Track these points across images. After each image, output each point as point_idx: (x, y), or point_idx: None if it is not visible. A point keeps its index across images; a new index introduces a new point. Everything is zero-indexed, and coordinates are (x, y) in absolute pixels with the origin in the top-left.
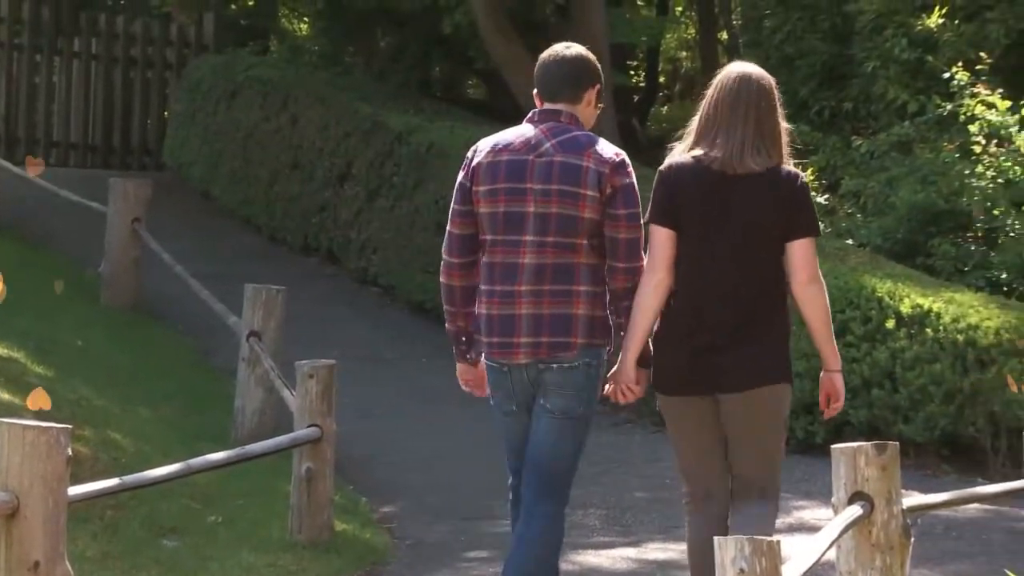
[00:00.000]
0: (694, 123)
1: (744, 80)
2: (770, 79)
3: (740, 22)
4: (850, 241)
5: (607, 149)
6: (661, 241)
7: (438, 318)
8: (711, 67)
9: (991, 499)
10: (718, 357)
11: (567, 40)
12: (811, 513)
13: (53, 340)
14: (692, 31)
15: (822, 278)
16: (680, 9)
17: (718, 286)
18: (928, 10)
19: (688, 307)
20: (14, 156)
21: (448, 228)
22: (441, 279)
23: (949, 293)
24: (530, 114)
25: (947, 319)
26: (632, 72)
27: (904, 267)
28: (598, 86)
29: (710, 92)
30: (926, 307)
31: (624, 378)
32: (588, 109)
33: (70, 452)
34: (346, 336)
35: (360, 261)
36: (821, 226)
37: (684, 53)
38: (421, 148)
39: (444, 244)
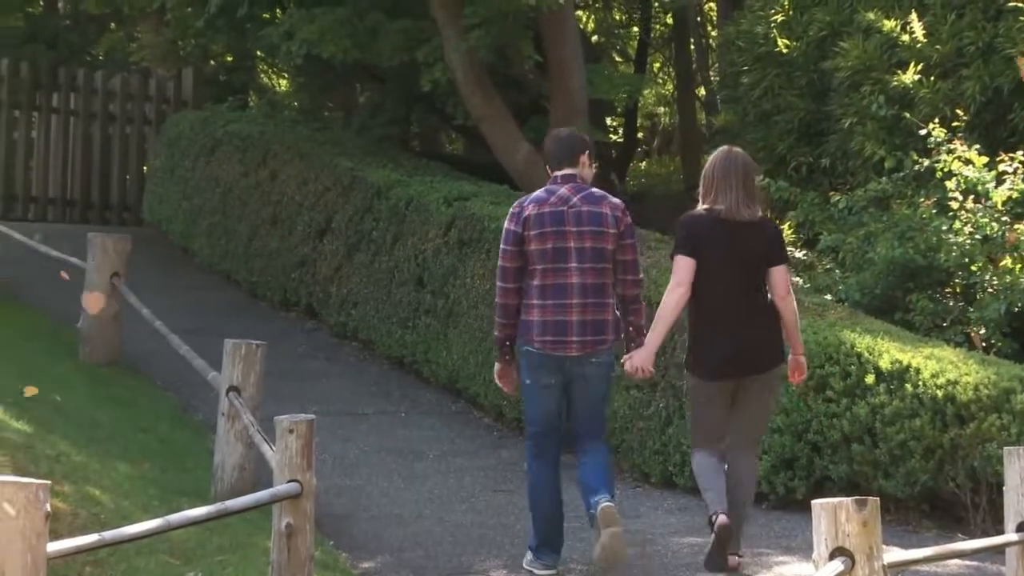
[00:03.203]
0: (701, 191)
1: (731, 157)
2: (747, 156)
3: (718, 78)
4: (829, 296)
5: (613, 199)
6: (685, 266)
7: (416, 373)
8: (689, 123)
9: (971, 555)
10: (735, 352)
11: (547, 97)
12: (791, 569)
13: (31, 396)
14: (670, 87)
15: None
16: (658, 65)
17: (732, 299)
18: (904, 67)
19: (713, 316)
20: None
21: (501, 264)
22: (498, 300)
23: (928, 348)
24: (553, 177)
25: (927, 374)
26: (611, 127)
27: (883, 322)
28: (588, 151)
29: (707, 167)
30: (905, 362)
31: (646, 363)
32: (586, 169)
33: (49, 508)
34: (326, 391)
35: (340, 316)
36: (799, 281)
37: (662, 109)
38: (400, 203)
39: (499, 275)
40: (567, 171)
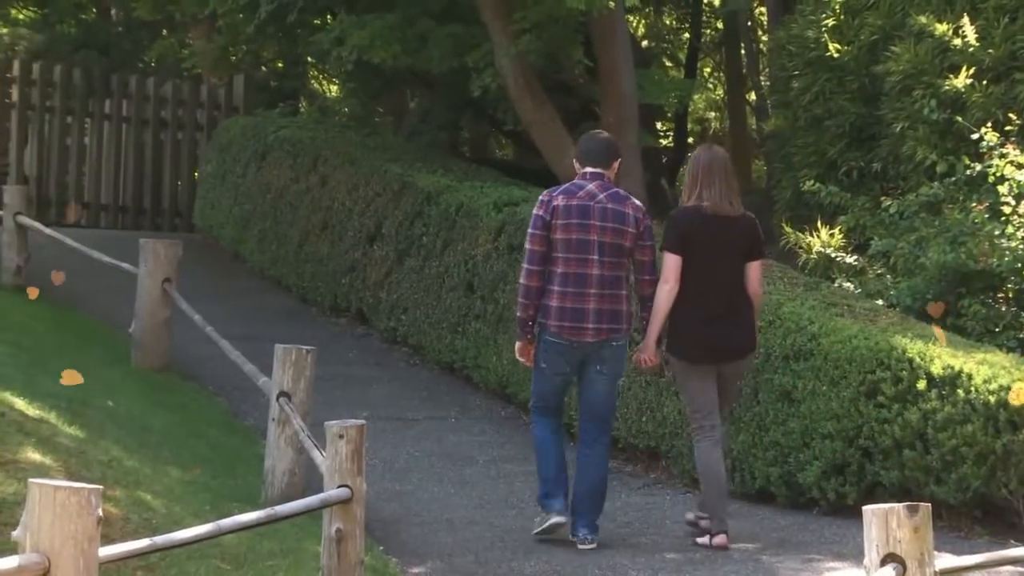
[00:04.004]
0: (686, 186)
1: (713, 154)
2: (727, 154)
3: (768, 83)
4: (880, 302)
5: (637, 201)
6: (673, 264)
7: (466, 378)
8: (739, 127)
9: None
10: (722, 337)
11: (597, 102)
12: (842, 575)
13: (84, 401)
14: (720, 92)
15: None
16: (708, 70)
17: (717, 289)
18: (956, 71)
19: (699, 304)
20: (45, 217)
21: (529, 247)
22: (522, 281)
23: (980, 354)
24: (582, 173)
25: (979, 380)
26: (661, 132)
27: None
28: (620, 161)
29: (691, 164)
30: (957, 368)
31: (650, 353)
32: (614, 174)
33: (100, 513)
34: (376, 396)
35: (389, 321)
36: (850, 286)
37: (713, 113)
38: (450, 208)
39: (526, 258)
40: (598, 169)
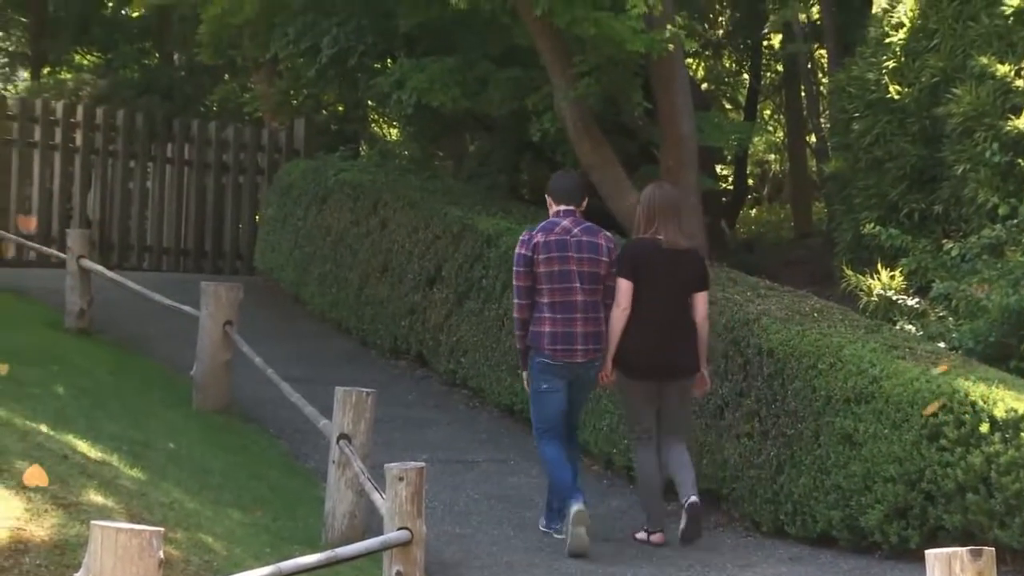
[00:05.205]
0: (641, 220)
1: (666, 192)
2: (677, 192)
3: (828, 125)
4: (942, 344)
5: (606, 232)
6: (626, 290)
7: (527, 420)
8: (800, 170)
9: None
10: (665, 359)
11: (657, 145)
12: None
13: (145, 443)
14: (780, 134)
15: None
16: (768, 112)
17: (663, 314)
18: (1018, 113)
19: (645, 327)
20: (108, 261)
21: (516, 283)
22: (516, 315)
23: None
24: (556, 211)
25: None
26: (721, 175)
27: (997, 370)
28: (586, 195)
29: (646, 200)
30: (1021, 411)
31: (607, 371)
32: (582, 207)
33: (162, 555)
34: (435, 438)
35: (449, 363)
36: (912, 329)
37: (773, 156)
38: (510, 251)
39: (515, 293)
40: (570, 207)
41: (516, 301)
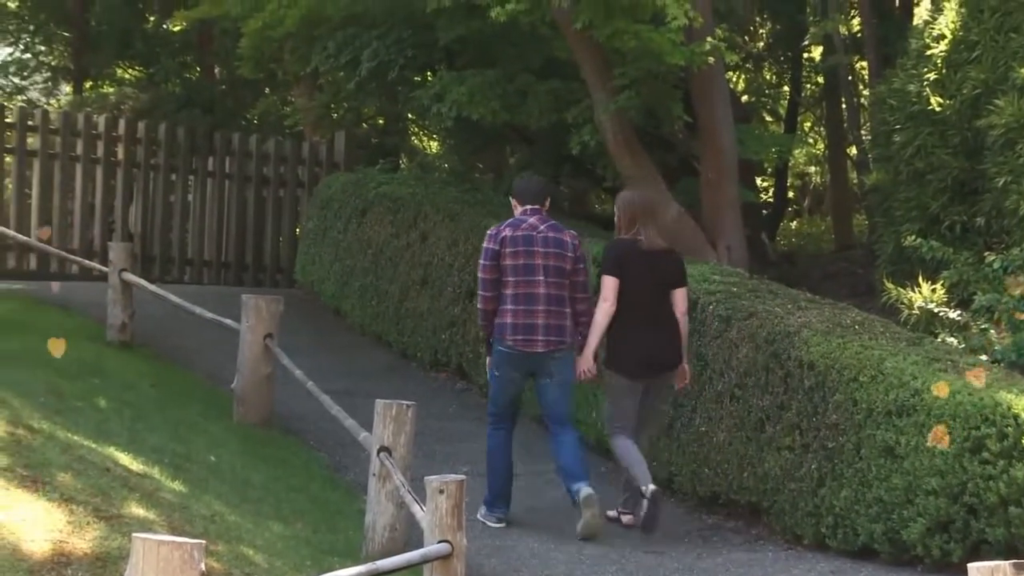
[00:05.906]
0: (622, 223)
1: (645, 196)
2: (653, 196)
3: (869, 137)
4: (984, 357)
5: (571, 231)
6: (611, 285)
7: None
8: (840, 182)
9: None
10: (654, 353)
11: (697, 157)
12: None
13: (187, 456)
14: (821, 146)
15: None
16: (809, 125)
17: (650, 311)
18: None
19: (638, 327)
20: (149, 274)
21: (481, 276)
22: (480, 307)
23: None
24: (522, 210)
25: None
26: (761, 187)
27: None
28: (549, 197)
29: (625, 204)
30: None
31: (588, 366)
32: (546, 208)
33: (203, 567)
34: (475, 451)
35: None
36: (954, 341)
37: (813, 168)
38: None
39: (480, 286)
40: (536, 206)
41: (481, 293)
